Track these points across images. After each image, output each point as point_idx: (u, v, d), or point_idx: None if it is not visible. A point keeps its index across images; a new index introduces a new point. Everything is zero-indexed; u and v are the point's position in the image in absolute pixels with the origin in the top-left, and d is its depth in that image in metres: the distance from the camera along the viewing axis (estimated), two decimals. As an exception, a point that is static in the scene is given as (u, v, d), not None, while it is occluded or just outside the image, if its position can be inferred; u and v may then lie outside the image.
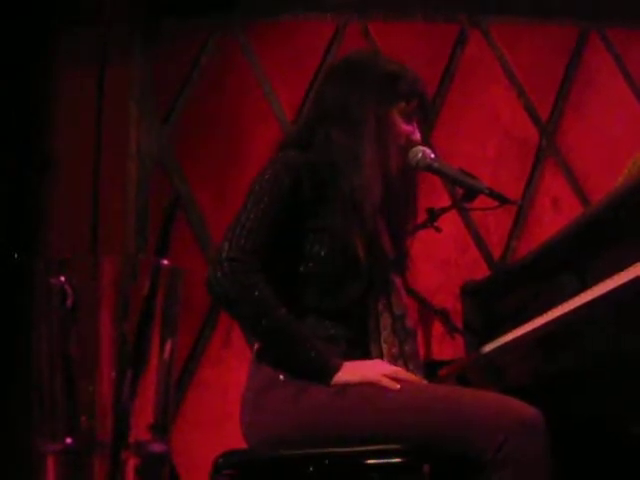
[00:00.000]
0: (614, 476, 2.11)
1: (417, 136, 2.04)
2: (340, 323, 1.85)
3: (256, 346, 1.86)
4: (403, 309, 1.95)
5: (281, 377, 1.76)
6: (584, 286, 1.87)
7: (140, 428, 0.84)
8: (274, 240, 1.79)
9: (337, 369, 1.73)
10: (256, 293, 1.71)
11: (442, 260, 3.47)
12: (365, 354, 1.84)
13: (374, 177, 1.88)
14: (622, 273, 1.67)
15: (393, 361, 1.84)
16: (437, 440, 1.65)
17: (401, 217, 2.08)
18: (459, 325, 3.17)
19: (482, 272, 3.40)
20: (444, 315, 3.36)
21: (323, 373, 1.73)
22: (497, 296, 2.73)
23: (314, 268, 1.83)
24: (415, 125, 2.05)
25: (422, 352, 3.32)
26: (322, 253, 1.82)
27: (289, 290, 1.82)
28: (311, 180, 1.83)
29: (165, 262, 0.88)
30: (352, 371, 1.74)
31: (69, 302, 0.83)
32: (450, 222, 3.28)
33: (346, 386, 1.73)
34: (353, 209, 1.83)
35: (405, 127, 2.01)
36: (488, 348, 2.26)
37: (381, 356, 1.85)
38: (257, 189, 1.81)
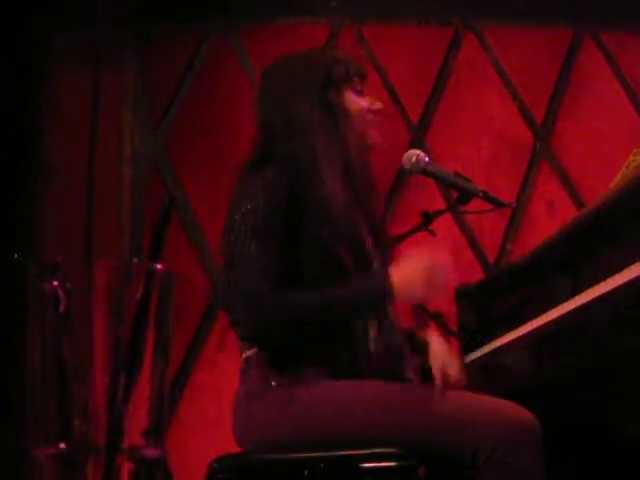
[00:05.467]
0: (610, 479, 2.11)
1: (378, 104, 2.02)
2: (328, 331, 1.83)
3: (244, 355, 1.86)
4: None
5: (273, 383, 1.76)
6: (578, 289, 1.87)
7: (134, 433, 0.83)
8: (283, 259, 1.78)
9: (389, 292, 1.75)
10: (293, 311, 1.73)
11: (437, 263, 3.46)
12: (352, 356, 1.83)
13: (335, 176, 1.86)
14: (616, 276, 1.68)
15: (381, 360, 1.84)
16: (430, 443, 1.65)
17: (374, 206, 2.05)
18: (454, 328, 3.18)
19: (477, 275, 3.39)
20: (439, 318, 3.36)
21: (383, 299, 1.78)
22: (491, 299, 2.73)
23: (303, 280, 1.82)
24: (368, 97, 2.03)
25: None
26: (309, 265, 1.81)
27: None
28: (290, 197, 1.81)
29: (159, 267, 0.88)
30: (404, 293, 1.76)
31: (62, 307, 0.83)
32: (445, 225, 3.28)
33: (338, 390, 1.73)
34: (326, 215, 1.82)
35: (364, 103, 2.00)
36: (483, 351, 2.26)
37: (366, 356, 1.84)
38: (252, 221, 1.78)
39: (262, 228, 1.77)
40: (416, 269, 1.76)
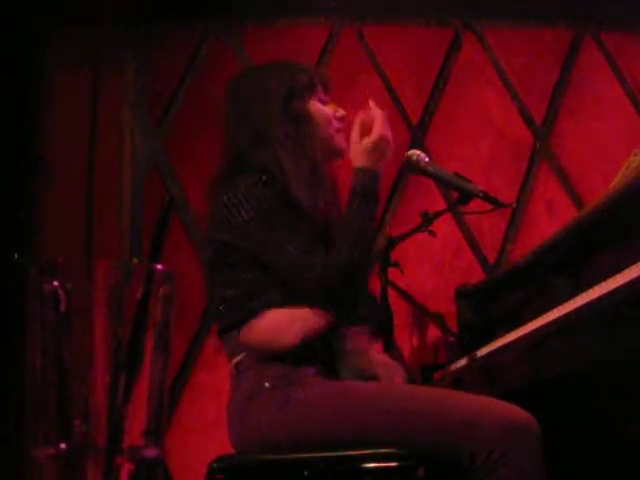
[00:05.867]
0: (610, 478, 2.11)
1: (342, 112, 2.04)
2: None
3: (235, 360, 1.86)
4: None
5: (266, 384, 1.76)
6: (578, 289, 1.87)
7: (134, 433, 0.83)
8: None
9: (376, 182, 1.87)
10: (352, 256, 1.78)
11: (437, 263, 3.47)
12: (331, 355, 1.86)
13: (302, 183, 1.87)
14: (616, 276, 1.67)
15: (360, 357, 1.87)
16: (427, 444, 1.65)
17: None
18: (454, 328, 3.18)
19: (477, 275, 3.40)
20: (439, 319, 3.36)
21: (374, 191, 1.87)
22: (492, 299, 2.73)
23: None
24: (331, 104, 2.05)
25: (417, 355, 3.33)
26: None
27: (260, 291, 1.83)
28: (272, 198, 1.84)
29: (159, 266, 0.88)
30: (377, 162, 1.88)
31: (62, 307, 0.83)
32: (445, 225, 3.28)
33: (335, 391, 1.73)
34: (301, 220, 1.83)
35: (328, 111, 2.02)
36: (483, 351, 2.26)
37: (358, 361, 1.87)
38: (267, 221, 1.81)
39: (273, 220, 1.79)
40: (366, 145, 1.90)
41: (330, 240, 1.83)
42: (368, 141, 1.90)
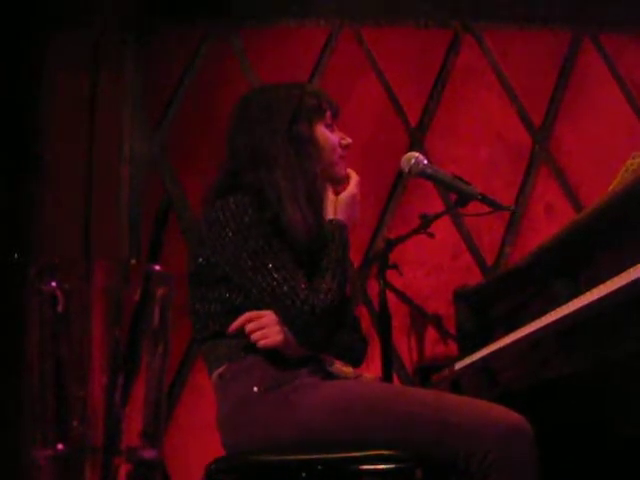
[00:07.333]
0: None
1: (348, 140, 2.04)
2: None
3: (217, 372, 1.85)
4: None
5: (255, 389, 1.75)
6: (577, 291, 1.87)
7: (132, 434, 0.83)
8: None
9: (345, 229, 1.92)
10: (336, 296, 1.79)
11: (435, 265, 3.47)
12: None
13: (297, 206, 1.87)
14: (615, 278, 1.68)
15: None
16: (423, 446, 1.65)
17: None
18: (452, 330, 3.18)
19: (475, 278, 3.40)
20: (437, 321, 3.37)
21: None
22: (490, 301, 2.73)
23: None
24: (337, 131, 2.05)
25: (415, 357, 3.33)
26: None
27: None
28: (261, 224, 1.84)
29: (157, 267, 0.88)
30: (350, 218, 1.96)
31: (60, 307, 0.83)
32: (443, 228, 3.28)
33: (329, 391, 1.74)
34: (288, 248, 1.83)
35: (334, 137, 2.02)
36: (481, 354, 2.26)
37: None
38: (252, 245, 1.80)
39: (259, 247, 1.79)
40: (345, 204, 1.97)
41: (315, 268, 1.84)
42: (341, 197, 1.98)
